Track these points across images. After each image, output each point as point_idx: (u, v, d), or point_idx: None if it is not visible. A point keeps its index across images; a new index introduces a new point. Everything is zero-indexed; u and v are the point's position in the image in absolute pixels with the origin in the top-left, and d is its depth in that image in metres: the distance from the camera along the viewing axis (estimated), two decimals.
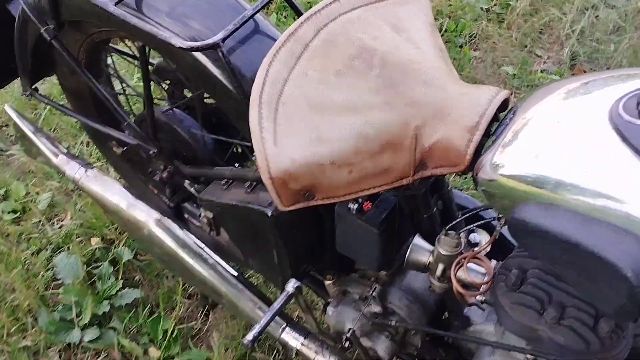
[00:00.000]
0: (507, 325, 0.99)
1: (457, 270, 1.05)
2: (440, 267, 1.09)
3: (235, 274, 1.46)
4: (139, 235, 1.53)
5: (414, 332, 1.28)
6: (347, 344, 1.29)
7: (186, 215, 1.78)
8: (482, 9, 2.91)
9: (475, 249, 1.09)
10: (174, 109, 1.60)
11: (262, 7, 1.18)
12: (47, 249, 2.10)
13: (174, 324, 1.88)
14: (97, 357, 1.86)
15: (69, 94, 1.79)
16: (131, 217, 1.52)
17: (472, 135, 0.93)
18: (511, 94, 2.50)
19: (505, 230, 0.97)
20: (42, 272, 2.03)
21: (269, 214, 1.19)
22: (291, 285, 1.20)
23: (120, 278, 2.00)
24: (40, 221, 2.18)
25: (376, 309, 1.26)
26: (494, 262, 1.05)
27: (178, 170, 1.59)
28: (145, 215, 1.50)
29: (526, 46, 2.77)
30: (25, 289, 1.96)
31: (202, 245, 1.48)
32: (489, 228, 1.22)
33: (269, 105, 0.99)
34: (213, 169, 1.45)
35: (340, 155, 0.96)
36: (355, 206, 1.10)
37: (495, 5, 2.94)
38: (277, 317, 1.33)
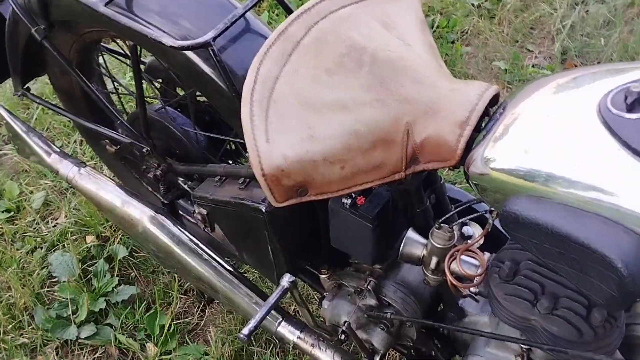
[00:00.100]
0: (501, 316, 1.01)
1: (451, 262, 1.06)
2: (434, 260, 1.10)
3: (231, 269, 1.47)
4: (134, 232, 1.54)
5: (409, 324, 1.29)
6: (343, 337, 1.30)
7: (180, 212, 1.78)
8: (473, 4, 2.91)
9: (469, 241, 1.10)
10: (167, 107, 1.60)
11: (253, 6, 1.18)
12: (42, 248, 2.10)
13: (170, 320, 1.88)
14: (95, 354, 1.87)
15: (61, 93, 1.79)
16: (125, 215, 1.53)
17: (462, 130, 0.94)
18: (503, 89, 2.53)
19: (497, 223, 0.98)
20: (37, 271, 2.03)
21: (263, 209, 1.20)
22: (286, 279, 1.21)
23: (115, 275, 2.01)
24: (34, 220, 2.19)
25: (371, 302, 1.27)
26: (487, 254, 1.06)
27: (171, 168, 1.59)
28: (139, 212, 1.51)
29: (517, 41, 2.78)
30: (20, 287, 1.97)
31: (197, 241, 1.48)
32: (481, 221, 1.23)
33: (261, 103, 1.00)
34: (206, 166, 1.45)
35: (332, 152, 0.97)
36: (349, 201, 1.11)
37: (486, 1, 2.94)
38: (273, 312, 1.34)
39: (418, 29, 1.07)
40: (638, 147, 0.77)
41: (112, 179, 1.63)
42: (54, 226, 2.17)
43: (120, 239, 2.10)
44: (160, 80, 1.66)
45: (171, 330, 1.87)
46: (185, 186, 1.61)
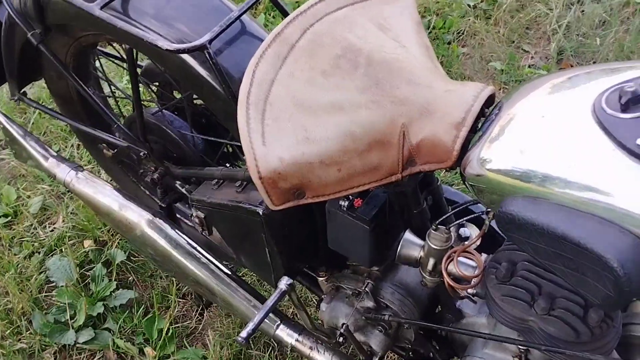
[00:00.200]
0: (499, 317, 1.01)
1: (448, 264, 1.06)
2: (432, 261, 1.10)
3: (229, 272, 1.47)
4: (132, 236, 1.54)
5: (407, 326, 1.29)
6: (341, 339, 1.30)
7: (178, 216, 1.78)
8: (469, 5, 2.92)
9: (466, 242, 1.10)
10: (163, 110, 1.60)
11: (249, 9, 1.18)
12: (39, 252, 2.10)
13: (168, 324, 1.88)
14: (93, 358, 1.87)
15: (58, 97, 1.79)
16: (123, 218, 1.53)
17: (458, 132, 0.94)
18: (499, 89, 2.54)
19: (494, 224, 0.98)
20: (35, 275, 2.03)
21: (260, 212, 1.20)
22: (284, 282, 1.21)
23: (113, 279, 2.01)
24: (32, 225, 2.19)
25: (369, 304, 1.27)
26: (484, 255, 1.06)
27: (169, 172, 1.59)
28: (137, 216, 1.51)
29: (513, 42, 2.79)
30: (18, 292, 1.97)
31: (195, 244, 1.48)
32: (478, 222, 1.23)
33: (257, 106, 1.00)
34: (203, 169, 1.45)
35: (328, 154, 0.97)
36: (346, 203, 1.11)
37: (482, 1, 2.95)
38: (271, 315, 1.34)
39: (413, 31, 1.08)
40: (632, 147, 0.77)
41: (110, 183, 1.63)
42: (52, 231, 2.17)
43: (118, 243, 2.10)
44: (157, 84, 1.66)
45: (169, 334, 1.87)
46: (183, 189, 1.61)
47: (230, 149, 1.69)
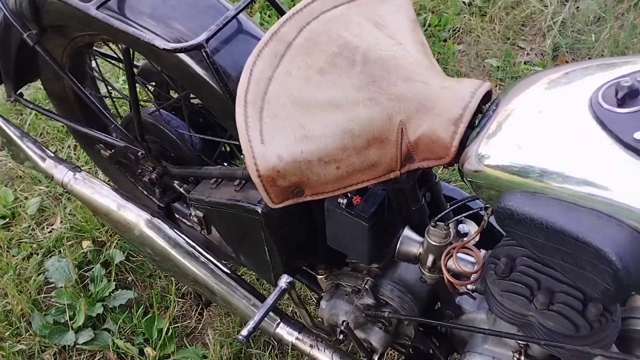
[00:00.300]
0: (498, 313, 1.01)
1: (447, 260, 1.06)
2: (431, 257, 1.11)
3: (228, 271, 1.47)
4: (130, 236, 1.53)
5: (407, 322, 1.30)
6: (341, 337, 1.30)
7: (177, 215, 1.78)
8: (464, 2, 2.92)
9: (465, 239, 1.11)
10: (161, 110, 1.60)
11: (245, 7, 1.18)
12: (38, 254, 2.10)
13: (168, 323, 1.88)
14: (93, 359, 1.87)
15: (54, 98, 1.79)
16: (122, 218, 1.53)
17: (456, 128, 0.94)
18: (495, 86, 2.54)
19: (493, 220, 0.98)
20: (33, 277, 2.03)
21: (259, 211, 1.20)
22: (284, 280, 1.21)
23: (112, 280, 2.01)
24: (30, 226, 2.18)
25: (369, 301, 1.28)
26: (483, 251, 1.06)
27: (167, 171, 1.59)
28: (135, 216, 1.51)
29: (509, 39, 2.79)
30: (17, 293, 1.96)
31: (194, 244, 1.48)
32: (477, 218, 1.23)
33: (255, 104, 1.00)
34: (202, 168, 1.45)
35: (327, 152, 0.97)
36: (345, 201, 1.11)
37: None
38: (271, 313, 1.34)
39: (409, 28, 1.08)
40: (630, 141, 0.77)
41: (108, 183, 1.63)
42: (50, 232, 2.17)
43: (117, 243, 2.10)
44: (154, 83, 1.66)
45: (169, 334, 1.87)
46: (181, 189, 1.61)
47: (228, 148, 1.69)
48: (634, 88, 0.80)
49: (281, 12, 1.27)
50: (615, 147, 0.79)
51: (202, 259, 1.47)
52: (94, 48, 1.67)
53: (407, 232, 1.16)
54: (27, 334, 1.90)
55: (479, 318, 1.22)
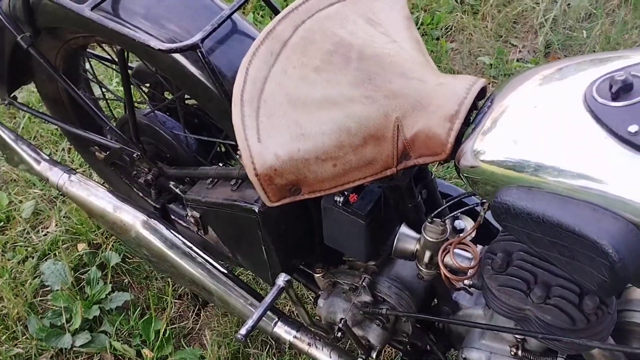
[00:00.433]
0: (495, 307, 1.02)
1: (444, 256, 1.07)
2: (428, 254, 1.11)
3: (225, 271, 1.47)
4: (126, 237, 1.53)
5: (404, 319, 1.30)
6: (339, 335, 1.31)
7: (173, 217, 1.78)
8: (456, 1, 2.94)
9: (461, 234, 1.11)
10: (155, 111, 1.60)
11: (240, 7, 1.19)
12: (33, 257, 2.09)
13: (165, 325, 1.88)
14: None
15: (48, 101, 1.79)
16: (118, 220, 1.52)
17: (452, 124, 0.94)
18: (489, 83, 2.55)
19: (489, 215, 0.99)
20: (29, 280, 2.02)
21: (256, 210, 1.20)
22: (282, 279, 1.22)
23: (109, 282, 2.00)
24: (24, 229, 2.18)
25: (366, 298, 1.28)
26: (479, 247, 1.07)
27: (162, 172, 1.59)
28: (132, 217, 1.50)
29: (501, 36, 2.81)
30: (13, 297, 1.96)
31: (190, 244, 1.48)
32: (473, 214, 1.24)
33: (251, 103, 1.00)
34: (197, 169, 1.45)
35: (323, 150, 0.98)
36: (341, 199, 1.11)
37: None
38: (268, 312, 1.34)
39: (404, 26, 1.08)
40: (624, 134, 0.78)
41: (103, 185, 1.62)
42: (45, 235, 2.16)
43: (113, 245, 2.10)
44: (149, 85, 1.66)
45: (166, 335, 1.87)
46: (177, 190, 1.61)
47: (223, 149, 1.69)
48: (628, 82, 0.81)
49: (275, 11, 1.27)
50: (610, 141, 0.80)
51: (199, 259, 1.47)
52: (88, 50, 1.67)
53: (404, 229, 1.17)
54: (24, 337, 1.89)
55: (476, 313, 1.23)
